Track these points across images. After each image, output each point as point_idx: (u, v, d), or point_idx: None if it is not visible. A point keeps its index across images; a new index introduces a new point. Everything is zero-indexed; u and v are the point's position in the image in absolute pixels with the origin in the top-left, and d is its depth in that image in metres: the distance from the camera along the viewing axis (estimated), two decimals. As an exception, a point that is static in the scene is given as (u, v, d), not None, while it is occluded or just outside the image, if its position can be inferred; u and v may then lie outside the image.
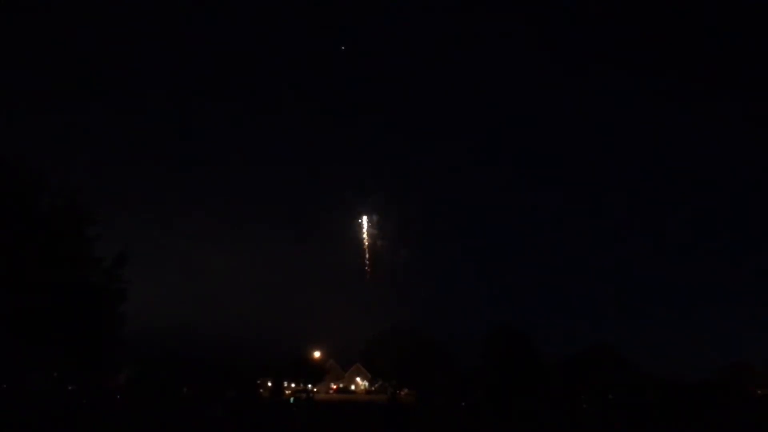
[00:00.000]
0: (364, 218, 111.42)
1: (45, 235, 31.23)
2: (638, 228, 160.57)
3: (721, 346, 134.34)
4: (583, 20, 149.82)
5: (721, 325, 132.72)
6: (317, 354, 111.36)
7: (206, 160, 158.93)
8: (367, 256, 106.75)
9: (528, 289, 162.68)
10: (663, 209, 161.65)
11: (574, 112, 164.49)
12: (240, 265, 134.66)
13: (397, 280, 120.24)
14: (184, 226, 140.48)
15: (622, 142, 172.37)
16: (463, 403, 63.89)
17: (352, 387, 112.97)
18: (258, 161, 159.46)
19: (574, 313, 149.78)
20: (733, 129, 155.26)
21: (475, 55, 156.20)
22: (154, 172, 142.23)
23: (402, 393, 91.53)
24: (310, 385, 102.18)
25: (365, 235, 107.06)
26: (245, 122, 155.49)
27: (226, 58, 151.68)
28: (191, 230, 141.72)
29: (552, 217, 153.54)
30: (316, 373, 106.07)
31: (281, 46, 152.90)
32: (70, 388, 40.65)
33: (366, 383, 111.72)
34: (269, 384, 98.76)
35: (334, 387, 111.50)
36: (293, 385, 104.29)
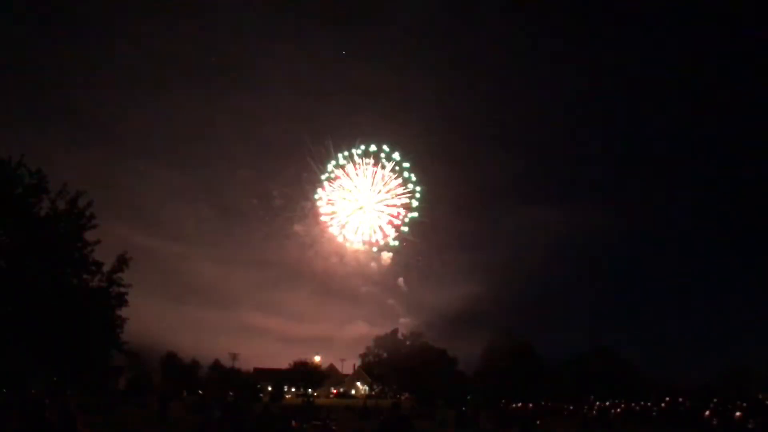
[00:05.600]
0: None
1: (45, 239, 31.30)
2: (640, 229, 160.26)
3: (722, 349, 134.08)
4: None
5: (723, 328, 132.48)
6: (317, 358, 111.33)
7: (204, 161, 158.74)
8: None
9: (528, 294, 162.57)
10: (664, 210, 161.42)
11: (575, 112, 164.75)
12: (236, 267, 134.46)
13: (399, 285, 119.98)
14: (183, 230, 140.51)
15: (619, 144, 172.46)
16: (464, 408, 63.79)
17: (353, 392, 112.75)
18: (253, 160, 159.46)
19: (574, 317, 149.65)
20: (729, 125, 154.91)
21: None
22: (153, 174, 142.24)
23: (402, 398, 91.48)
24: (310, 390, 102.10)
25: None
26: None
27: (225, 59, 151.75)
28: (189, 234, 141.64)
29: (551, 221, 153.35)
30: (317, 377, 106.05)
31: (281, 49, 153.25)
32: (68, 392, 40.64)
33: (366, 388, 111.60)
34: (269, 388, 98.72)
35: (335, 392, 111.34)
36: (293, 389, 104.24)
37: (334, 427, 32.01)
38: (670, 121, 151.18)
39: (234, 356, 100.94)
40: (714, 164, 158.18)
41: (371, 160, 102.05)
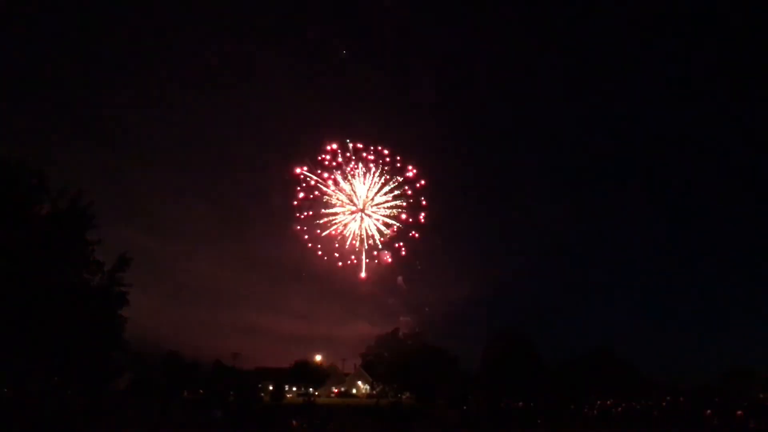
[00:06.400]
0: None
1: (47, 239, 31.36)
2: (641, 231, 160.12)
3: (722, 349, 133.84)
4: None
5: (723, 328, 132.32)
6: (318, 358, 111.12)
7: (203, 161, 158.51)
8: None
9: (529, 294, 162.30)
10: (664, 212, 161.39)
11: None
12: (237, 267, 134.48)
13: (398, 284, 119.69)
14: (182, 230, 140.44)
15: (622, 146, 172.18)
16: (465, 407, 63.87)
17: (354, 391, 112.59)
18: (252, 162, 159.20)
19: (574, 317, 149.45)
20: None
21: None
22: (153, 174, 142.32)
23: (403, 397, 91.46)
24: (311, 389, 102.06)
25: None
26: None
27: (224, 60, 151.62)
28: (189, 234, 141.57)
29: (552, 221, 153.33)
30: (318, 377, 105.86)
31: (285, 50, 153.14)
32: (68, 392, 40.73)
33: (367, 387, 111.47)
34: (270, 388, 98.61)
35: (336, 391, 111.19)
36: (294, 389, 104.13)
37: (334, 427, 32.03)
38: (670, 121, 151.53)
39: (235, 356, 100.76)
40: (714, 166, 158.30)
41: (371, 159, 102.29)
